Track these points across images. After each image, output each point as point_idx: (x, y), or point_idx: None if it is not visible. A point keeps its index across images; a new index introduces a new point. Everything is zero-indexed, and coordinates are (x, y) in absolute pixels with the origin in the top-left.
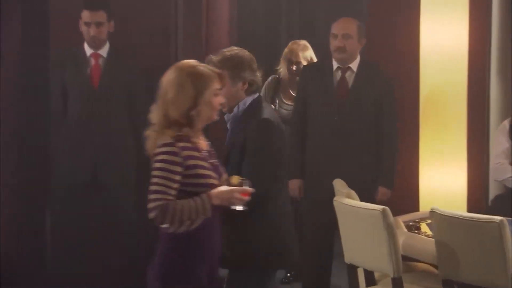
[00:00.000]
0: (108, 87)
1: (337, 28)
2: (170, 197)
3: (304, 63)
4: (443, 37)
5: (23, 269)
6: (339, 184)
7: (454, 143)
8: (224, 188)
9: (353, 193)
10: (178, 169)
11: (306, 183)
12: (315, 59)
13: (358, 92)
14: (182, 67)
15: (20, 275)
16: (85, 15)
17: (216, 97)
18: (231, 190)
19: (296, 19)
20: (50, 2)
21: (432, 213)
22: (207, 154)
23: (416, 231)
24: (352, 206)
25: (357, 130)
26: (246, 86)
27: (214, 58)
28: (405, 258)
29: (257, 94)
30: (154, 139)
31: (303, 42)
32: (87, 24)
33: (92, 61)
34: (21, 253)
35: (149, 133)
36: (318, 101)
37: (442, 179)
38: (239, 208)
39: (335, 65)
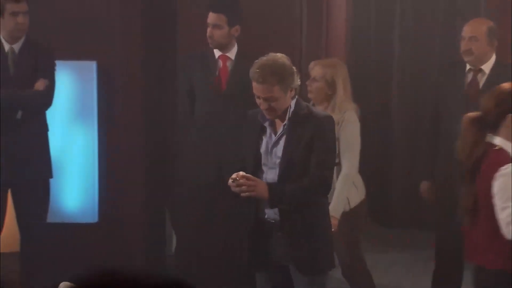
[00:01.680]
0: (235, 89)
1: (466, 30)
2: None
3: None
4: None
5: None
6: None
7: None
8: None
9: None
10: None
11: (438, 186)
12: None
13: None
14: None
15: None
16: (208, 16)
17: None
18: None
19: (410, 24)
20: (178, 5)
21: None
22: None
23: None
24: None
25: None
26: (293, 93)
27: (261, 72)
28: None
29: (296, 96)
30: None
31: None
32: (208, 24)
33: (220, 63)
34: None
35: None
36: (450, 102)
37: None
38: None
39: (467, 66)
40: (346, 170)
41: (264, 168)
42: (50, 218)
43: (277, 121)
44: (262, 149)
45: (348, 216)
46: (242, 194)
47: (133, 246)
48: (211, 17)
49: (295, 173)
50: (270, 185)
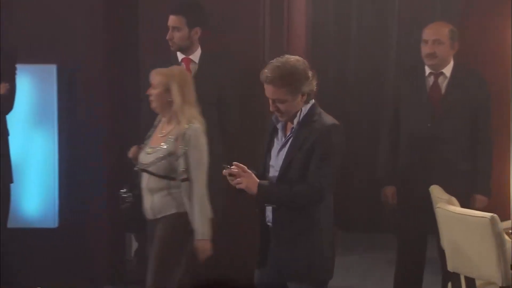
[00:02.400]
0: (199, 91)
1: (427, 33)
2: None
3: None
4: None
5: None
6: (437, 191)
7: None
8: None
9: (454, 199)
10: None
11: (399, 190)
12: None
13: (451, 98)
14: None
15: None
16: (169, 19)
17: None
18: None
19: (367, 21)
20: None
21: None
22: None
23: None
24: (458, 213)
25: (451, 136)
26: (305, 97)
27: (270, 74)
28: None
29: (313, 101)
30: None
31: None
32: (169, 28)
33: (183, 66)
34: None
35: None
36: (411, 107)
37: None
38: None
39: (427, 70)
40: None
41: (271, 169)
42: (10, 224)
43: (289, 124)
44: (273, 150)
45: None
46: (232, 183)
47: (94, 251)
48: (171, 19)
49: (294, 177)
50: (260, 182)
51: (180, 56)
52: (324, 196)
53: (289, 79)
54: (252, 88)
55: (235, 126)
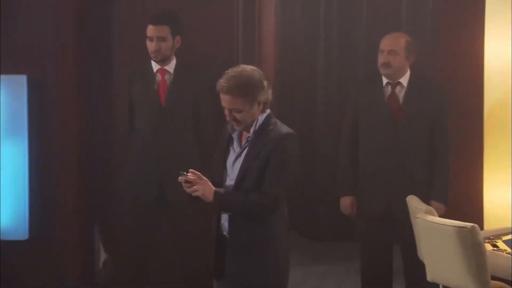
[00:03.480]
0: (175, 102)
1: (384, 43)
2: None
3: None
4: (507, 50)
5: None
6: (414, 201)
7: None
8: None
9: (432, 209)
10: None
11: (359, 200)
12: None
13: (409, 107)
14: None
15: None
16: (149, 29)
17: None
18: None
19: (334, 30)
20: (114, 19)
21: None
22: None
23: (494, 249)
24: (438, 223)
25: (411, 145)
26: (261, 106)
27: (226, 84)
28: None
29: (268, 111)
30: None
31: None
32: (150, 38)
33: (159, 77)
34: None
35: None
36: (369, 116)
37: (508, 196)
38: None
39: (384, 80)
40: None
41: (227, 178)
42: None
43: (244, 133)
44: (229, 160)
45: None
46: (187, 190)
47: (65, 262)
48: (156, 29)
49: (249, 186)
50: (216, 189)
51: (155, 66)
52: (279, 205)
53: (245, 89)
54: None
55: (210, 136)
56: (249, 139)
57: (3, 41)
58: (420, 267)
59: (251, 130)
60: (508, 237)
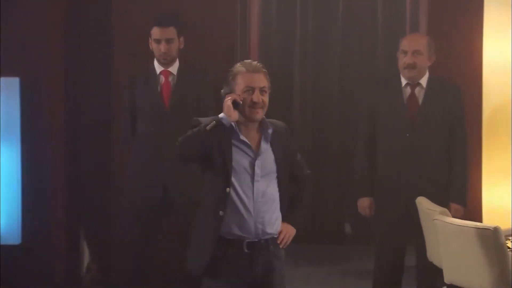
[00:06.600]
0: (178, 104)
1: (407, 44)
2: None
3: None
4: (506, 54)
5: None
6: (426, 203)
7: None
8: None
9: (446, 211)
10: None
11: (376, 201)
12: None
13: (429, 108)
14: None
15: None
16: (155, 32)
17: None
18: None
19: (310, 33)
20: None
21: None
22: None
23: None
24: (459, 225)
25: (429, 146)
26: None
27: (253, 64)
28: None
29: None
30: None
31: None
32: (157, 41)
33: (162, 79)
34: None
35: None
36: (388, 118)
37: (507, 197)
38: None
39: (403, 81)
40: None
41: (252, 179)
42: None
43: (245, 131)
44: (241, 160)
45: None
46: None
47: (54, 267)
48: (163, 32)
49: (287, 177)
50: (293, 223)
51: (158, 68)
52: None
53: (267, 74)
54: None
55: None
56: (270, 132)
57: None
58: (433, 268)
59: (267, 124)
60: (509, 237)
